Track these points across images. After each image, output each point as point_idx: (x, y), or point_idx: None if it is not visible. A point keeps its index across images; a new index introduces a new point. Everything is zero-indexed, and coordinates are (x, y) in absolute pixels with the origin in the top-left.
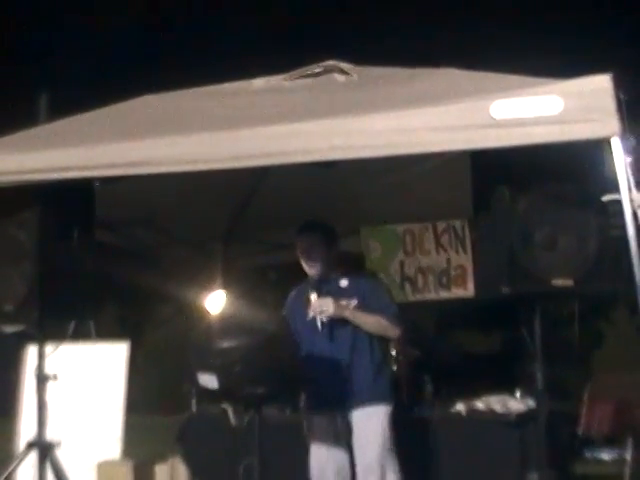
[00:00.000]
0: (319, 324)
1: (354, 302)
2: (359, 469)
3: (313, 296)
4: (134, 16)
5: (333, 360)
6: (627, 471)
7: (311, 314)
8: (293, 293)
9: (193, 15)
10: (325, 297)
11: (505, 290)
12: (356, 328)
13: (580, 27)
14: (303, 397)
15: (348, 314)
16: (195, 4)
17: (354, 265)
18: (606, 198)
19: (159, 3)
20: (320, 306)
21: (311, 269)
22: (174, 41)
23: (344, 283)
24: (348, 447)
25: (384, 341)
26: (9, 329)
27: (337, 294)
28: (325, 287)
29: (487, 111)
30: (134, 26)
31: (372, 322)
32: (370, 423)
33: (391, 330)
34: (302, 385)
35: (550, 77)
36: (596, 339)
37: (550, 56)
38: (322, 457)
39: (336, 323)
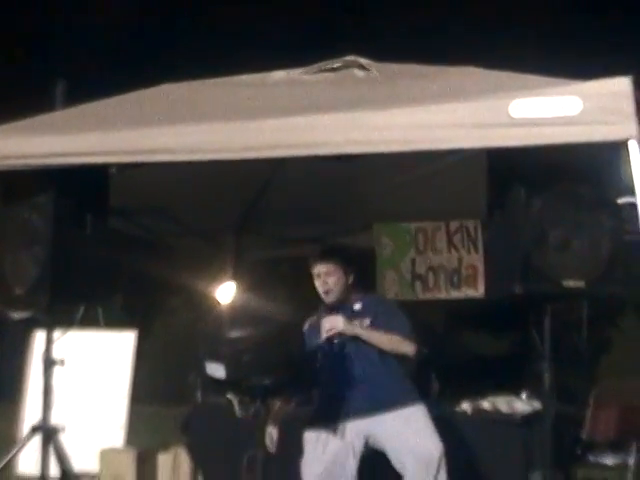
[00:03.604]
0: (334, 343)
1: (367, 321)
2: (413, 468)
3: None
4: (153, 4)
5: (358, 370)
6: (630, 477)
7: (323, 335)
8: (307, 325)
9: (214, 6)
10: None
11: (516, 290)
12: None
13: (600, 29)
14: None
15: (359, 331)
16: None
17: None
18: (621, 201)
19: None
20: (330, 324)
21: (327, 296)
22: (194, 31)
23: (357, 307)
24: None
25: None
26: (17, 315)
27: (350, 317)
28: (339, 312)
29: (506, 110)
30: (153, 14)
31: (385, 340)
32: (415, 422)
33: (406, 347)
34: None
35: (569, 78)
36: (604, 344)
37: (569, 57)
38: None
39: (354, 342)
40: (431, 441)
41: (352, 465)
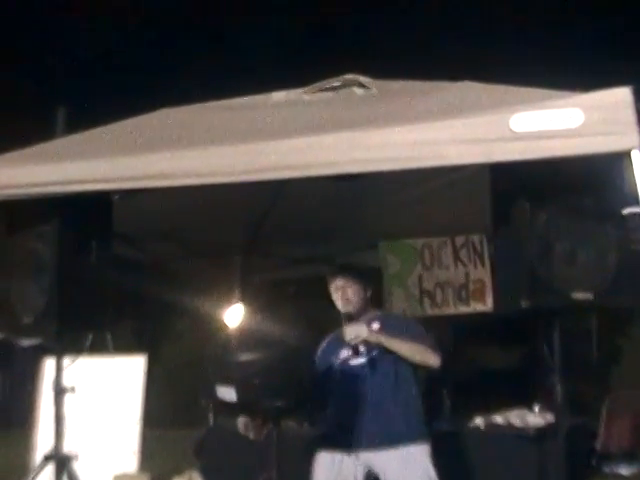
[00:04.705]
0: (360, 351)
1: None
2: None
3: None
4: (152, 29)
5: (370, 399)
6: None
7: (347, 339)
8: (324, 342)
9: (212, 29)
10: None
11: (524, 304)
12: (397, 362)
13: (599, 40)
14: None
15: (383, 339)
16: (214, 18)
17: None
18: (626, 211)
19: (178, 17)
20: (354, 331)
21: (345, 306)
22: (193, 56)
23: (375, 326)
24: None
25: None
26: (27, 342)
27: None
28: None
29: (507, 124)
30: (152, 40)
31: (409, 347)
32: (414, 463)
33: (430, 356)
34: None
35: (569, 90)
36: (614, 355)
37: (568, 69)
38: None
39: (378, 358)
40: None
41: None
